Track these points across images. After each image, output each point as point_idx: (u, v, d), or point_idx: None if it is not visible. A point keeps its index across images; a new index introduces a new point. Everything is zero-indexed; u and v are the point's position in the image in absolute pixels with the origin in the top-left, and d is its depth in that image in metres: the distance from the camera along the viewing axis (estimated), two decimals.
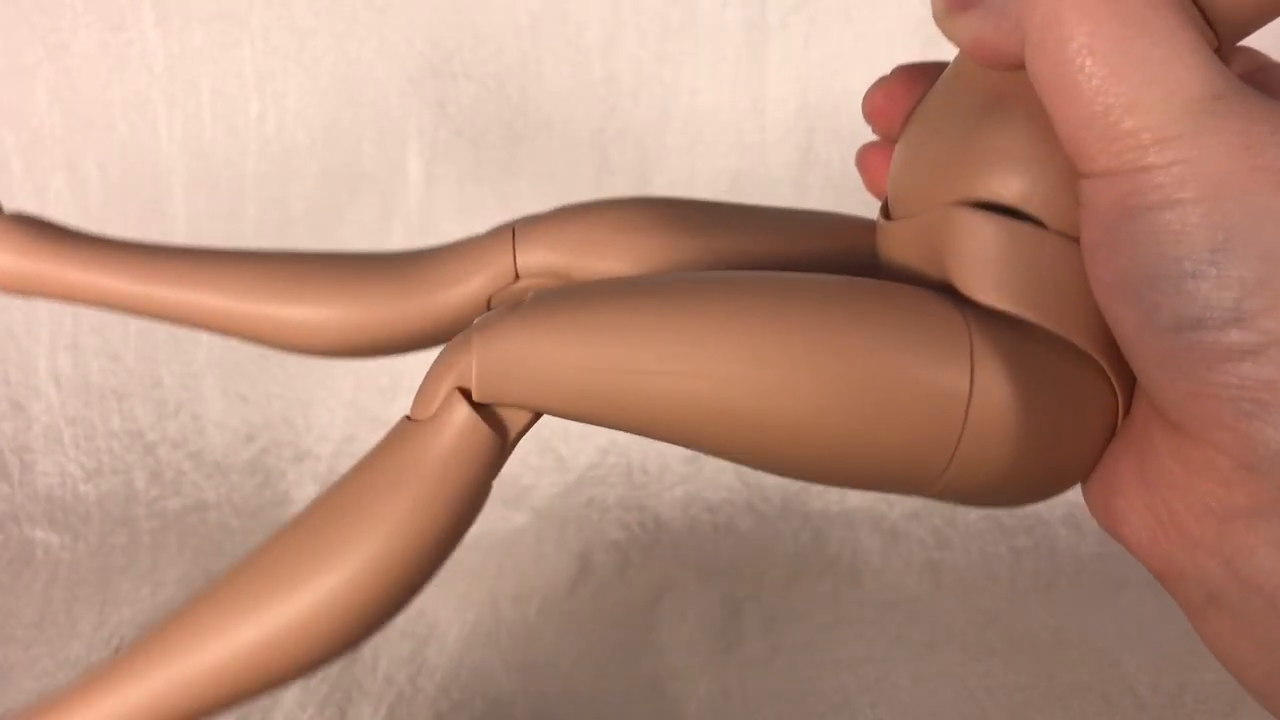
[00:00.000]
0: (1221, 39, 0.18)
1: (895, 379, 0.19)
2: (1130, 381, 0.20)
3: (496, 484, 0.21)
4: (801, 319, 0.19)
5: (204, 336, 0.63)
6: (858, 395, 0.19)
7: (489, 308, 0.25)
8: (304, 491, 0.62)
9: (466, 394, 0.20)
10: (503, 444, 0.20)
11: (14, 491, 0.62)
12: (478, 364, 0.20)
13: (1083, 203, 0.18)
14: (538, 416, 0.21)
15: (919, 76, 0.24)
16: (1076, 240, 0.19)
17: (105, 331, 0.64)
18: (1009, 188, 0.19)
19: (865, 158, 0.25)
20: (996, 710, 0.50)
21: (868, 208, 0.25)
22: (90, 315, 0.63)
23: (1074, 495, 0.22)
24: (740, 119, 0.62)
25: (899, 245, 0.22)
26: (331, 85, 0.62)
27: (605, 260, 0.24)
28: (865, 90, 0.24)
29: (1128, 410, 0.20)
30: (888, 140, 0.24)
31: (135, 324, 0.63)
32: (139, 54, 0.61)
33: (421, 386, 0.20)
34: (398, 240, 0.63)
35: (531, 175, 0.63)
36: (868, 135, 0.25)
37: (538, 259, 0.25)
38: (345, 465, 0.20)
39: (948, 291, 0.20)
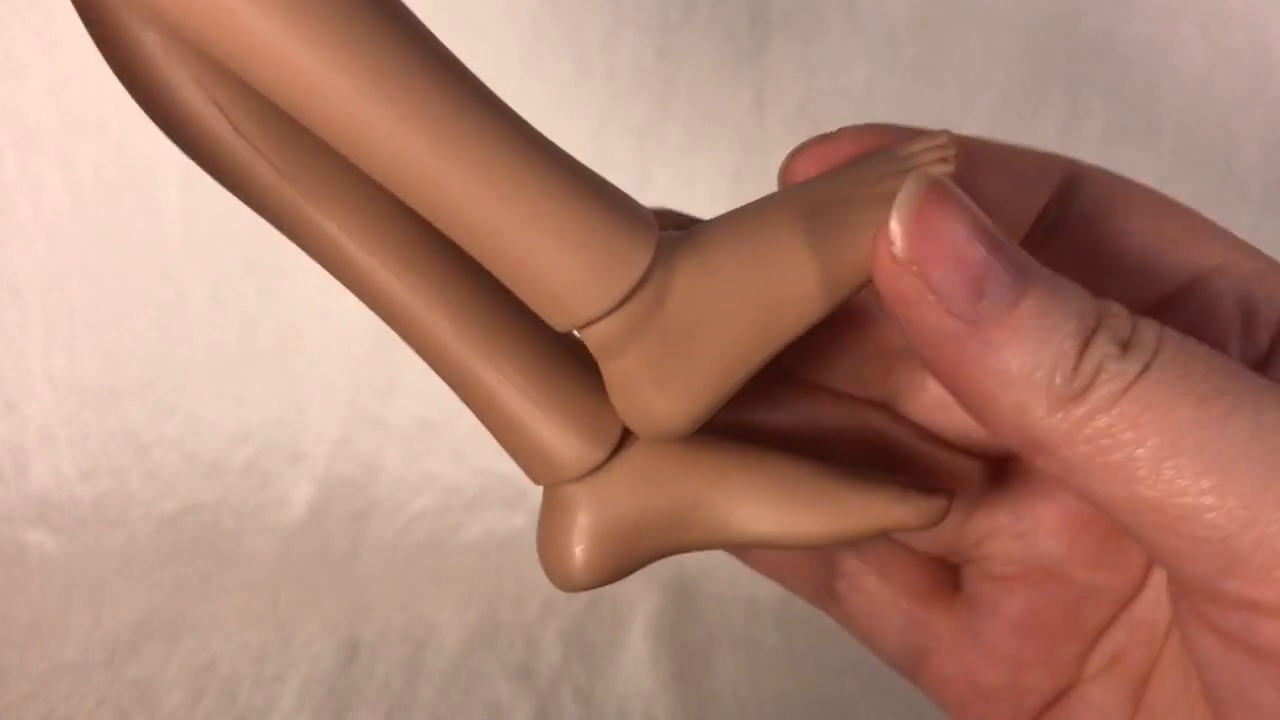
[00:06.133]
0: None
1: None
2: None
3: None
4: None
5: (199, 335, 0.63)
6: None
7: None
8: (301, 492, 0.62)
9: None
10: None
11: (8, 492, 0.62)
12: None
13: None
14: None
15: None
16: None
17: (100, 331, 0.63)
18: None
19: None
20: None
21: None
22: (86, 314, 0.63)
23: None
24: (741, 116, 0.61)
25: None
26: None
27: None
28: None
29: None
30: None
31: (131, 323, 0.63)
32: None
33: None
34: None
35: None
36: None
37: None
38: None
39: None
